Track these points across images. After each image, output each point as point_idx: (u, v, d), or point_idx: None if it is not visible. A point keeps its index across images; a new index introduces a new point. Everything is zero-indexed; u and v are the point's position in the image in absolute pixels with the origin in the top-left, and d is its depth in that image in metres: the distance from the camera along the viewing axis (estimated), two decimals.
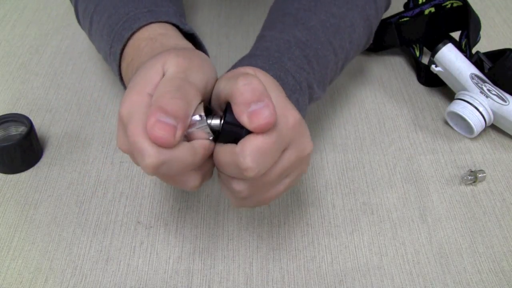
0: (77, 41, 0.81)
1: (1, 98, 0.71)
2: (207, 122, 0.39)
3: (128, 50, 0.49)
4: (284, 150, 0.40)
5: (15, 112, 0.64)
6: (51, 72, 0.75)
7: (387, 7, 0.66)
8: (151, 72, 0.38)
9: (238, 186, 0.40)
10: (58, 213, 0.58)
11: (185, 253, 0.54)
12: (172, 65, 0.38)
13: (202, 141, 0.38)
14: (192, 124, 0.38)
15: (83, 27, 0.61)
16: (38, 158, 0.63)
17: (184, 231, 0.56)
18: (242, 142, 0.37)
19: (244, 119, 0.36)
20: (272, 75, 0.44)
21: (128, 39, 0.49)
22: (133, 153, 0.37)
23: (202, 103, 0.39)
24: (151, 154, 0.35)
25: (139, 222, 0.57)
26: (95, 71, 0.75)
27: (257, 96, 0.36)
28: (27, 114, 0.63)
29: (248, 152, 0.36)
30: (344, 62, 0.58)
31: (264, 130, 0.36)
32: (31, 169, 0.62)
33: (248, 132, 0.37)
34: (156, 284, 0.52)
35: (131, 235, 0.56)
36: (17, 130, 0.62)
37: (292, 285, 0.52)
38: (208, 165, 0.42)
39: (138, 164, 0.38)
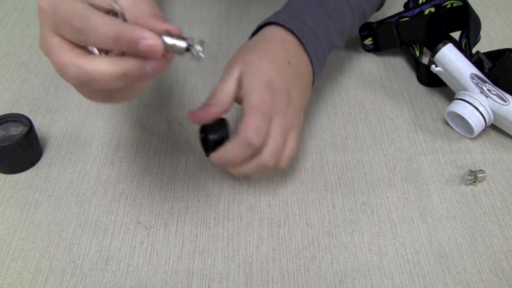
0: None
1: (1, 98, 0.71)
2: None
3: None
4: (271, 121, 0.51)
5: (15, 112, 0.64)
6: (51, 72, 0.75)
7: None
8: None
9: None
10: (58, 213, 0.58)
11: (185, 253, 0.54)
12: None
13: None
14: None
15: None
16: (38, 158, 0.63)
17: (184, 231, 0.56)
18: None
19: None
20: (292, 27, 0.56)
21: None
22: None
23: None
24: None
25: (139, 222, 0.57)
26: None
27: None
28: (27, 114, 0.63)
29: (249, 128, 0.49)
30: (361, 19, 0.68)
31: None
32: (31, 169, 0.62)
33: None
34: (156, 284, 0.52)
35: (131, 235, 0.56)
36: (17, 130, 0.62)
37: (292, 285, 0.52)
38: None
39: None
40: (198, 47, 0.39)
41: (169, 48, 0.38)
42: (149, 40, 0.36)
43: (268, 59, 0.53)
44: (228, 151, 0.50)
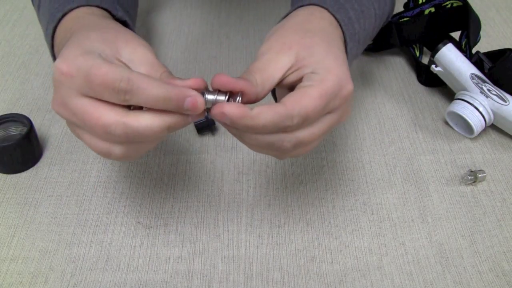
0: None
1: (1, 98, 0.71)
2: None
3: (59, 31, 0.49)
4: (327, 113, 0.43)
5: (15, 112, 0.64)
6: (51, 72, 0.75)
7: None
8: None
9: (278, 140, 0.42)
10: (58, 213, 0.58)
11: (185, 253, 0.54)
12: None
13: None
14: None
15: (35, 8, 0.60)
16: (38, 158, 0.63)
17: (184, 231, 0.56)
18: (291, 101, 0.40)
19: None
20: (339, 18, 0.49)
21: (60, 20, 0.49)
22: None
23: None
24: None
25: (139, 222, 0.57)
26: None
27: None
28: (27, 114, 0.63)
29: (297, 112, 0.39)
30: (377, 30, 0.60)
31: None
32: (31, 169, 0.62)
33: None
34: (156, 284, 0.52)
35: (131, 235, 0.56)
36: (17, 130, 0.62)
37: (292, 285, 0.52)
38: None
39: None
40: (238, 98, 0.40)
41: (210, 103, 0.40)
42: (193, 99, 0.38)
43: (337, 53, 0.45)
44: (263, 115, 0.39)
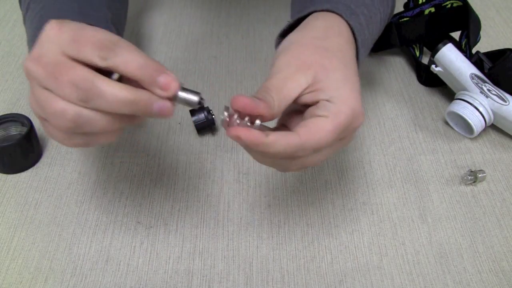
0: None
1: (1, 98, 0.71)
2: None
3: None
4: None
5: (15, 112, 0.64)
6: None
7: None
8: None
9: (287, 163, 0.44)
10: (58, 213, 0.58)
11: (185, 253, 0.54)
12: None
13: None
14: None
15: (22, 10, 0.61)
16: (38, 158, 0.63)
17: (184, 231, 0.56)
18: (305, 132, 0.41)
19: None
20: (352, 25, 0.49)
21: None
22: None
23: None
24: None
25: (139, 222, 0.57)
26: None
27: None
28: (27, 114, 0.63)
29: (309, 145, 0.41)
30: (380, 33, 0.60)
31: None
32: (31, 169, 0.62)
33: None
34: (156, 284, 0.52)
35: (131, 235, 0.56)
36: (17, 130, 0.62)
37: (292, 285, 0.52)
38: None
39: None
40: (226, 114, 0.40)
41: (180, 100, 0.40)
42: (169, 78, 0.39)
43: (353, 80, 0.45)
44: (278, 144, 0.40)
